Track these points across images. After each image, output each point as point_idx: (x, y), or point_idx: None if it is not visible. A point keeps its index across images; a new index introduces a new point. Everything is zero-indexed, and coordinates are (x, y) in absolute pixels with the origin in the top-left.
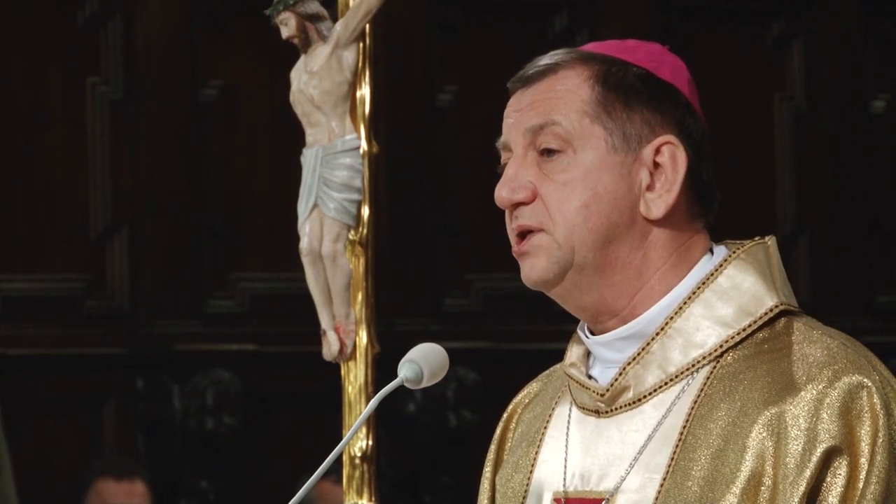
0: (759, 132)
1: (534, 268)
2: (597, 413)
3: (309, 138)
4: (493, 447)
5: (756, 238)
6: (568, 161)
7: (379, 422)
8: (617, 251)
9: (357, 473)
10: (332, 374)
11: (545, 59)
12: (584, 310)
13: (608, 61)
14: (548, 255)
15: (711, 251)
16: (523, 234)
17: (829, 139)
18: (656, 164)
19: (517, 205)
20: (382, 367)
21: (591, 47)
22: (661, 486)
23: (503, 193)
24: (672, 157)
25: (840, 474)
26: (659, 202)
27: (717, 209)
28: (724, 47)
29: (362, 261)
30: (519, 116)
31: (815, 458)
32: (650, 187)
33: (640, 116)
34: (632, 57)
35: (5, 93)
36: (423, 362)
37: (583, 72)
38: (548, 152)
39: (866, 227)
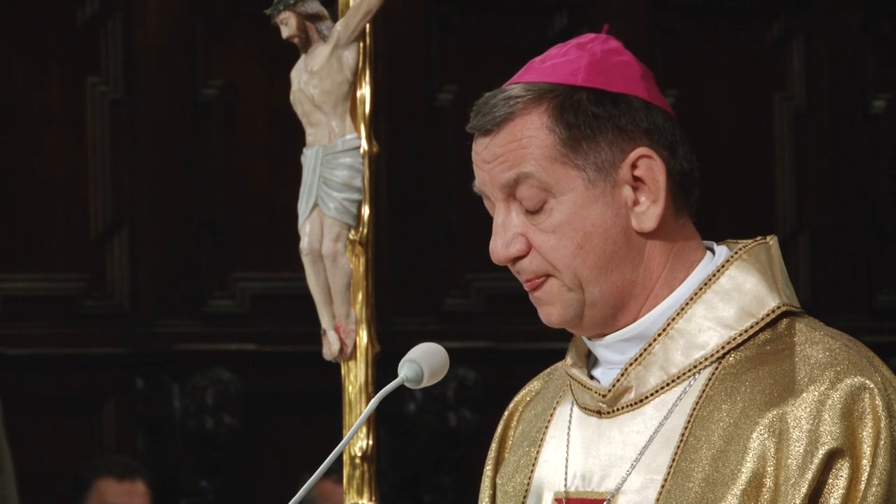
0: (758, 132)
1: (551, 314)
2: (598, 414)
3: (309, 138)
4: (494, 445)
5: (758, 238)
6: (551, 208)
7: (379, 421)
8: (621, 275)
9: (357, 473)
10: (332, 374)
11: (499, 107)
12: (601, 334)
13: (558, 94)
14: (561, 300)
15: (712, 251)
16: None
17: (829, 139)
18: (636, 178)
19: (515, 259)
20: (383, 367)
21: (536, 72)
22: (663, 487)
23: (499, 251)
24: (649, 169)
25: (842, 476)
26: (649, 214)
27: (716, 209)
28: (724, 47)
29: (362, 260)
30: (489, 169)
31: (816, 460)
32: (636, 202)
33: (606, 142)
34: (578, 78)
35: (5, 92)
36: (424, 362)
37: (539, 114)
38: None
39: (866, 227)
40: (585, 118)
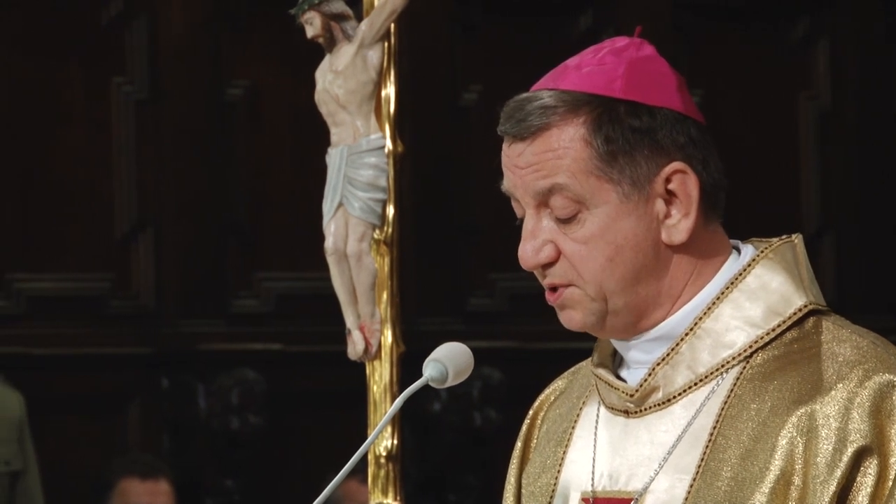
0: (783, 131)
1: (572, 319)
2: (626, 413)
3: (334, 138)
4: (518, 444)
5: (783, 236)
6: (584, 219)
7: (404, 421)
8: (647, 286)
9: (382, 473)
10: (357, 374)
11: (535, 115)
12: (625, 338)
13: (597, 105)
14: (582, 308)
15: (738, 250)
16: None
17: (855, 138)
18: (668, 192)
19: (544, 266)
20: (407, 367)
21: (571, 78)
22: (691, 486)
23: (528, 257)
24: (682, 183)
25: (870, 474)
26: (679, 227)
27: (740, 209)
28: (749, 46)
29: (387, 260)
30: (523, 175)
31: (845, 458)
32: (667, 215)
33: (642, 157)
34: (616, 88)
35: (30, 92)
36: (448, 361)
37: (576, 126)
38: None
39: (891, 226)
40: (623, 133)
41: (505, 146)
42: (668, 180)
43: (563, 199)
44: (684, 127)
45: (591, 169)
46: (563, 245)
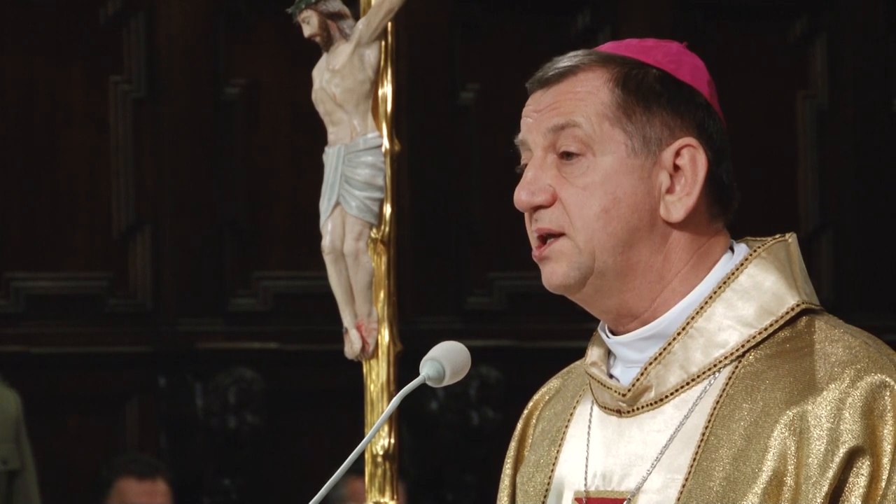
0: (781, 130)
1: (554, 273)
2: (618, 413)
3: (331, 136)
4: (513, 444)
5: (777, 235)
6: (588, 165)
7: (401, 420)
8: (638, 255)
9: (379, 472)
10: (354, 373)
11: (564, 61)
12: (606, 312)
13: (627, 63)
14: (568, 260)
15: (732, 249)
16: (544, 238)
17: (852, 137)
18: (676, 167)
19: (536, 208)
20: (405, 366)
21: (609, 47)
22: (683, 486)
23: (522, 196)
24: (692, 159)
25: (862, 474)
26: (679, 205)
27: (739, 207)
28: (747, 45)
29: (384, 259)
30: (538, 117)
31: (837, 459)
32: (670, 190)
33: (660, 119)
34: (650, 58)
35: (28, 91)
36: (446, 360)
37: (602, 74)
38: (567, 155)
39: (890, 225)
40: (647, 90)
41: (528, 100)
42: (678, 154)
43: (572, 137)
44: (707, 114)
45: (607, 114)
46: (562, 191)
